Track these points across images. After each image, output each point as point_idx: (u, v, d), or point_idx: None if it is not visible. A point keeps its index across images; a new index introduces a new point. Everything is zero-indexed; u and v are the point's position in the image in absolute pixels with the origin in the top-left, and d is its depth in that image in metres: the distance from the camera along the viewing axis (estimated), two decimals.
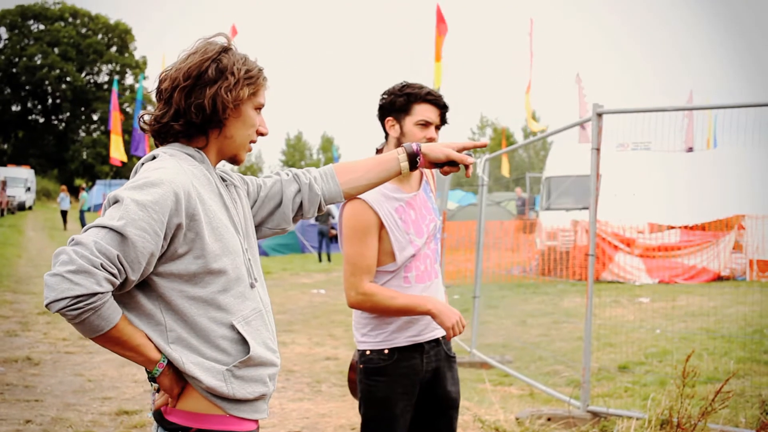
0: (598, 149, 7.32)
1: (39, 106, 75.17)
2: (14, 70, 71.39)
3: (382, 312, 3.81)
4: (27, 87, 72.63)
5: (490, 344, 11.07)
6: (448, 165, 3.12)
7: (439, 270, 4.10)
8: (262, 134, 2.85)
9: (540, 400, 8.08)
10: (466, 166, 3.10)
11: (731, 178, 19.80)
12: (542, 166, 24.09)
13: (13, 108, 74.00)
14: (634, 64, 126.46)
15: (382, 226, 3.79)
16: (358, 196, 3.71)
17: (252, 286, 2.72)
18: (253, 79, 2.73)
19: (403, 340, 3.86)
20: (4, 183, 44.70)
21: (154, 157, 2.66)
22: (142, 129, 2.78)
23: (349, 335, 11.85)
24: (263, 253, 28.06)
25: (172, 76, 2.68)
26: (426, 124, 3.85)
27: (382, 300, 3.76)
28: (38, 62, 71.10)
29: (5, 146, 75.27)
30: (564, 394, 7.81)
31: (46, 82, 72.27)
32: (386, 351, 3.85)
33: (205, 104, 2.64)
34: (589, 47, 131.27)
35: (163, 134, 2.72)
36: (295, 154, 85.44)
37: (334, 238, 27.42)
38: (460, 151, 3.12)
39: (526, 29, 30.15)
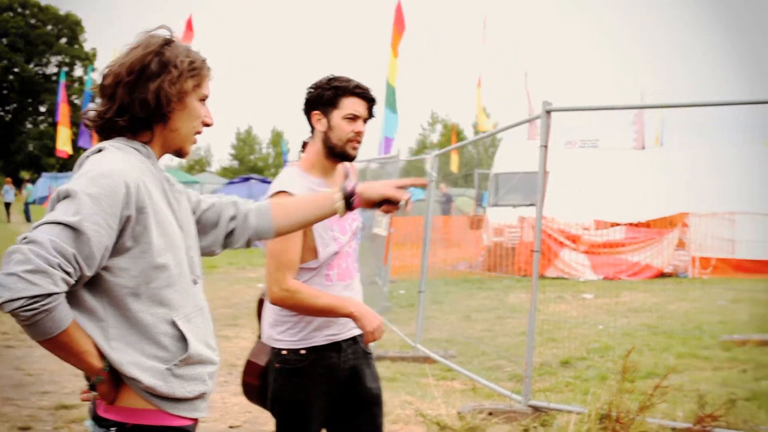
0: (546, 146, 7.36)
1: None
2: None
3: (304, 310, 3.75)
4: None
5: (434, 339, 11.08)
6: (385, 203, 3.10)
7: (358, 268, 4.07)
8: (207, 125, 2.81)
9: (482, 395, 8.11)
10: (406, 203, 3.10)
11: (676, 177, 20.08)
12: (491, 162, 24.15)
13: None
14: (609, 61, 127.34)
15: None
16: (285, 190, 3.69)
17: (195, 282, 2.71)
18: (196, 70, 2.70)
19: (321, 338, 3.81)
20: None
21: (100, 150, 2.61)
22: (86, 125, 2.74)
23: None
24: None
25: (114, 72, 2.64)
26: (354, 118, 3.80)
27: (305, 298, 3.70)
28: None
29: None
30: (506, 388, 7.85)
31: None
32: (303, 351, 3.79)
33: (148, 98, 2.60)
34: (541, 44, 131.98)
35: (107, 130, 2.67)
36: (245, 148, 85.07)
37: None
38: (398, 188, 3.11)
39: (479, 26, 30.26)
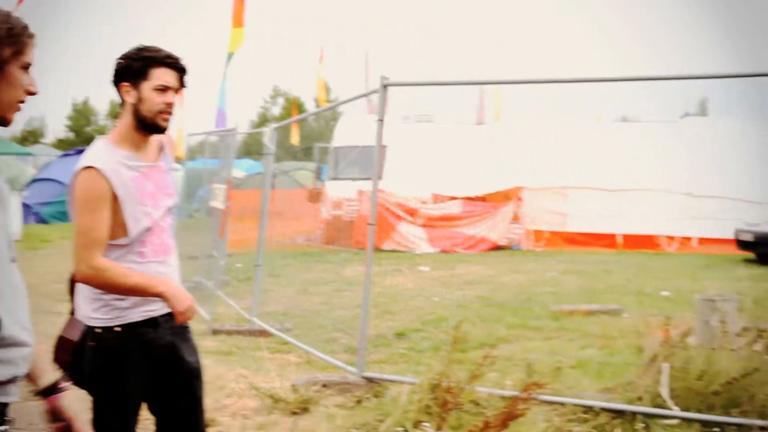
0: (382, 120, 7.42)
1: None
2: None
3: (112, 289, 3.64)
4: None
5: (270, 312, 11.02)
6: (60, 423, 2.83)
7: (175, 245, 3.97)
8: (31, 93, 2.66)
9: (317, 367, 8.13)
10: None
11: (512, 152, 20.57)
12: (332, 136, 24.22)
13: None
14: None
15: (115, 196, 3.64)
16: (92, 166, 3.58)
17: (13, 260, 2.57)
18: (16, 37, 2.55)
19: (137, 315, 3.71)
20: None
21: None
22: None
23: None
24: (42, 220, 26.98)
25: None
26: (164, 89, 3.69)
27: (114, 276, 3.59)
28: None
29: None
30: (341, 361, 7.89)
31: None
32: (117, 328, 3.69)
33: None
34: (380, 20, 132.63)
35: None
36: (81, 120, 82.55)
37: None
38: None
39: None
